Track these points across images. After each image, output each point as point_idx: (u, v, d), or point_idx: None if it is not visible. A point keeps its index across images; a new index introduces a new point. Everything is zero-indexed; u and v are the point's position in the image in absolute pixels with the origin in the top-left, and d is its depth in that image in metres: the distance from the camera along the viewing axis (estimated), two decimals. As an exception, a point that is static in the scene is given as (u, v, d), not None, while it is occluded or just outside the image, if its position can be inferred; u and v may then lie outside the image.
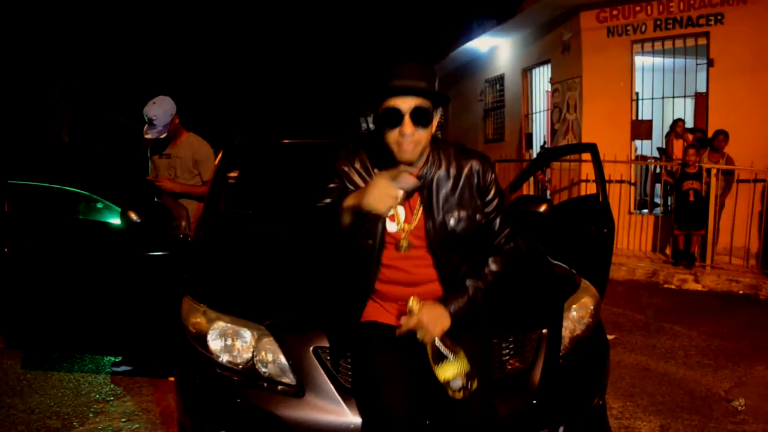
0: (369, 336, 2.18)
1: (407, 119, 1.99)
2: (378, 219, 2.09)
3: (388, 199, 1.83)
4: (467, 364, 1.93)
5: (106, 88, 15.40)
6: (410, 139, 2.01)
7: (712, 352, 4.98)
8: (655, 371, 4.51)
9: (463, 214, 2.17)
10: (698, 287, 7.46)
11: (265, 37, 19.67)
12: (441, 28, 15.98)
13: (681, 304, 6.70)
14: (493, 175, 2.22)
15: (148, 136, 4.29)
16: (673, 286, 7.57)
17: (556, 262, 3.18)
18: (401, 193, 1.85)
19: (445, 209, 2.17)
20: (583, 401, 2.62)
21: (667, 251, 8.81)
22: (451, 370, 1.91)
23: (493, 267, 2.22)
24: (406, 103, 1.99)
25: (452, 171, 2.19)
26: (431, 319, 1.99)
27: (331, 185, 2.17)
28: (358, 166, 2.19)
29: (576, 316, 2.74)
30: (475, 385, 1.93)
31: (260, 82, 20.11)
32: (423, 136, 2.04)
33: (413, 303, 1.97)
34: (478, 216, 2.20)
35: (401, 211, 2.16)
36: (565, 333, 2.64)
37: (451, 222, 2.15)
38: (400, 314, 2.12)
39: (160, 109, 4.26)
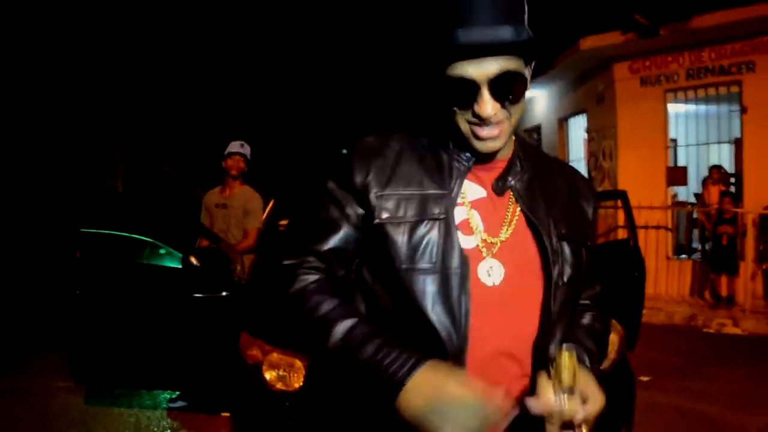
0: None
1: (485, 94, 1.19)
2: (438, 219, 1.26)
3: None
4: None
5: (157, 143, 16.18)
6: (493, 123, 1.22)
7: (747, 394, 5.03)
8: (688, 413, 4.60)
9: (575, 228, 1.36)
10: (738, 331, 7.46)
11: (321, 85, 20.11)
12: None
13: (719, 348, 6.73)
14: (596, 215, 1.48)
15: (237, 149, 4.98)
16: (712, 330, 7.58)
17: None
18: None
19: (554, 216, 1.34)
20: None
21: (706, 295, 8.85)
22: None
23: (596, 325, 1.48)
24: (481, 69, 1.18)
25: (558, 179, 1.41)
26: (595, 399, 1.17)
27: (332, 212, 1.33)
28: (406, 146, 1.34)
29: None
30: None
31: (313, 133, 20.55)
32: (513, 113, 1.25)
33: (566, 360, 1.11)
34: (589, 243, 1.40)
35: (475, 215, 1.30)
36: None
37: (564, 230, 1.33)
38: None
39: (245, 147, 5.05)
